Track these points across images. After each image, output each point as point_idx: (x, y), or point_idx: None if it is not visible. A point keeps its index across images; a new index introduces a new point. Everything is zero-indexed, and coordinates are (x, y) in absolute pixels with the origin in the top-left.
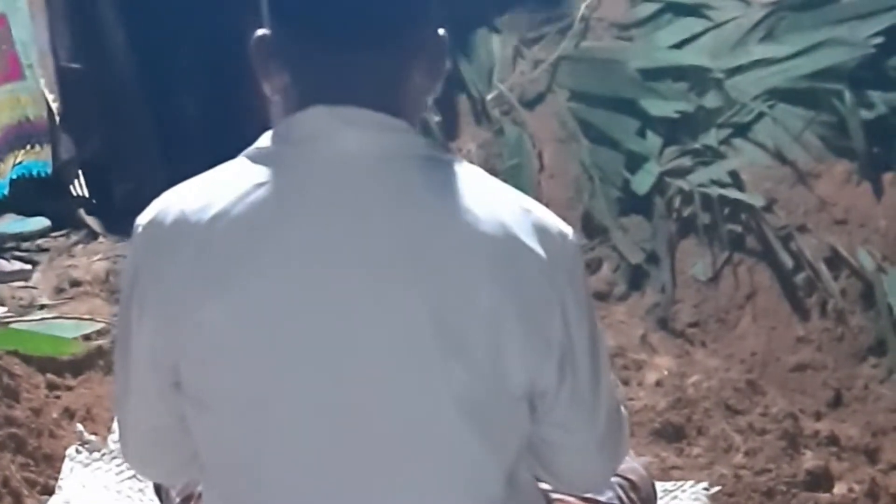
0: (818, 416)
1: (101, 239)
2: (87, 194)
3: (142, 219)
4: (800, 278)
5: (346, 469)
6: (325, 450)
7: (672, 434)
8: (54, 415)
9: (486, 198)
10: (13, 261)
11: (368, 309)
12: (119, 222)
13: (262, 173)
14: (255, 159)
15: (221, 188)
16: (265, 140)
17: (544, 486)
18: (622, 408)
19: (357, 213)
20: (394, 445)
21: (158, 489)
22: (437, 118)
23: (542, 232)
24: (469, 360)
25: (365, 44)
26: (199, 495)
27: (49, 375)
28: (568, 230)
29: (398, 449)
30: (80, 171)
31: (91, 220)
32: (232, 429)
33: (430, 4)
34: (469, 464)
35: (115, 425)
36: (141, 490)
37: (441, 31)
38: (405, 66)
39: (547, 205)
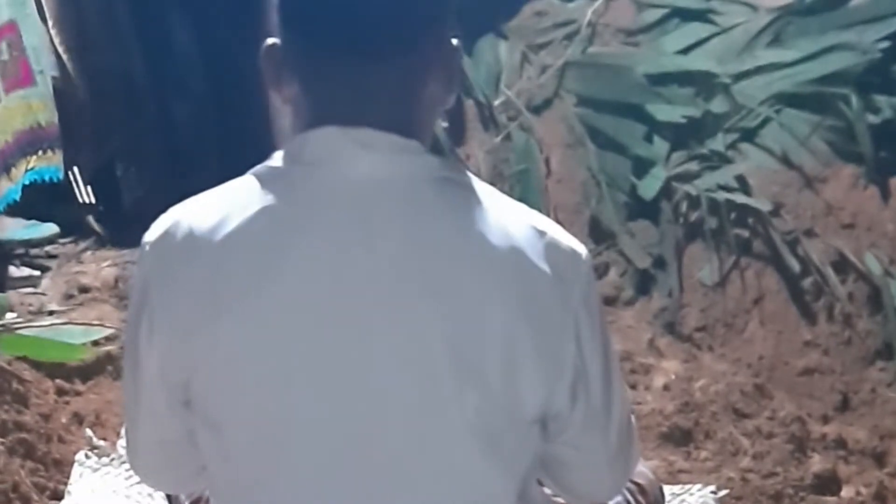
0: (826, 420)
1: (109, 245)
2: (94, 201)
3: (149, 236)
4: (807, 282)
5: (355, 489)
6: (335, 470)
7: (680, 438)
8: (63, 420)
9: (501, 219)
10: (22, 267)
11: (381, 332)
12: (127, 229)
13: (273, 194)
14: (265, 179)
15: (231, 207)
16: (276, 159)
17: (550, 491)
18: (633, 421)
19: (370, 236)
20: (404, 467)
21: (168, 494)
22: (444, 124)
23: (555, 253)
24: (482, 383)
25: (378, 56)
26: (209, 499)
27: (58, 381)
28: (582, 250)
29: (408, 471)
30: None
31: (99, 227)
32: (241, 447)
33: (444, 15)
34: (479, 486)
35: (123, 430)
36: (150, 495)
37: (455, 41)
38: (420, 78)
39: (554, 210)
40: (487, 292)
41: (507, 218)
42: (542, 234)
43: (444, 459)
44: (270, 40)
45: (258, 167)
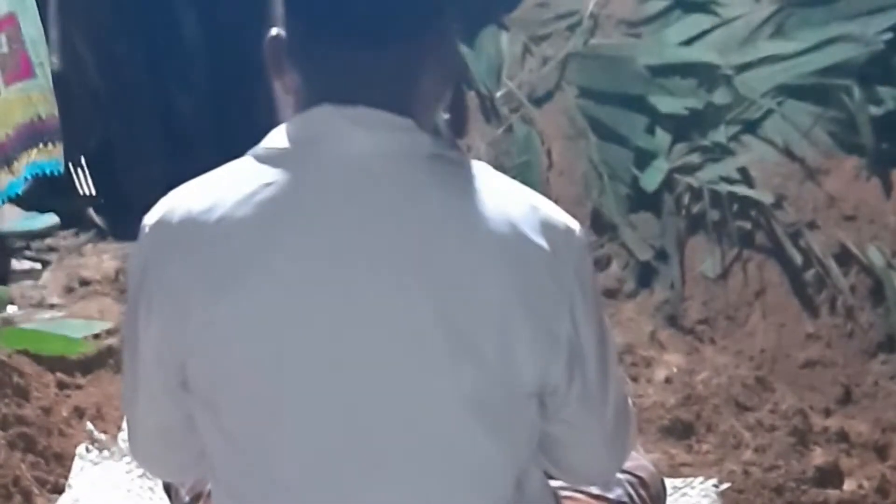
0: (828, 413)
1: (110, 238)
2: (94, 193)
3: (148, 218)
4: (809, 275)
5: (355, 468)
6: (333, 449)
7: (681, 431)
8: (64, 414)
9: (494, 195)
10: (23, 260)
11: (376, 309)
12: (128, 222)
13: (269, 173)
14: (261, 159)
15: (228, 188)
16: (272, 139)
17: (554, 483)
18: (629, 401)
19: (364, 213)
20: (403, 445)
21: (168, 488)
22: (445, 116)
23: (549, 228)
24: (478, 359)
25: (377, 43)
26: (209, 494)
27: (59, 374)
28: (575, 226)
29: (407, 449)
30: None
31: (100, 220)
32: (238, 428)
33: (443, 7)
34: (479, 463)
35: (124, 423)
36: (151, 489)
37: (454, 36)
38: (417, 68)
39: (556, 202)
40: (481, 266)
41: (500, 193)
42: (535, 209)
43: (441, 436)
44: (274, 30)
45: (255, 148)
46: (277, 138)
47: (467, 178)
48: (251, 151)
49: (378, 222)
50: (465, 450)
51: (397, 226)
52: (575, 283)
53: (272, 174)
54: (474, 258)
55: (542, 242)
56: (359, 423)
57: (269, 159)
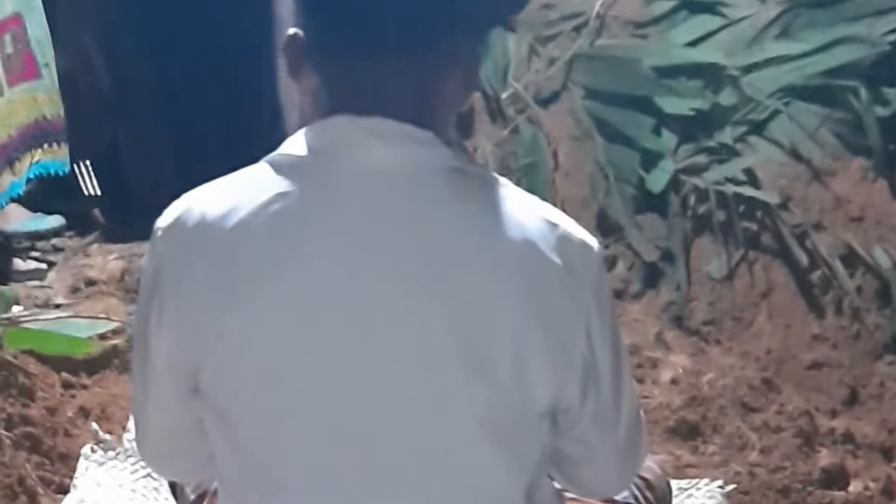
0: (834, 414)
1: (115, 238)
2: (99, 193)
3: (162, 222)
4: (815, 276)
5: (364, 482)
6: (343, 463)
7: (687, 432)
8: (69, 414)
9: (513, 212)
10: (28, 260)
11: (391, 324)
12: (133, 222)
13: (285, 183)
14: (278, 167)
15: (244, 195)
16: (289, 147)
17: (558, 485)
18: (642, 416)
19: (380, 227)
20: (412, 460)
21: (173, 487)
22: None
23: (567, 246)
24: (492, 377)
25: (399, 51)
26: (215, 492)
27: (64, 374)
28: (594, 243)
29: (417, 464)
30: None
31: (105, 220)
32: (248, 437)
33: (467, 17)
34: (488, 480)
35: (130, 424)
36: (156, 489)
37: (475, 43)
38: (438, 77)
39: (562, 203)
40: (497, 284)
41: (518, 210)
42: (554, 226)
43: (452, 452)
44: (292, 30)
45: (272, 155)
46: (294, 146)
47: (486, 194)
48: (267, 158)
49: (394, 237)
50: (474, 466)
51: (413, 241)
52: (591, 301)
53: (288, 184)
54: (489, 275)
55: (559, 261)
56: (368, 436)
57: (285, 168)
